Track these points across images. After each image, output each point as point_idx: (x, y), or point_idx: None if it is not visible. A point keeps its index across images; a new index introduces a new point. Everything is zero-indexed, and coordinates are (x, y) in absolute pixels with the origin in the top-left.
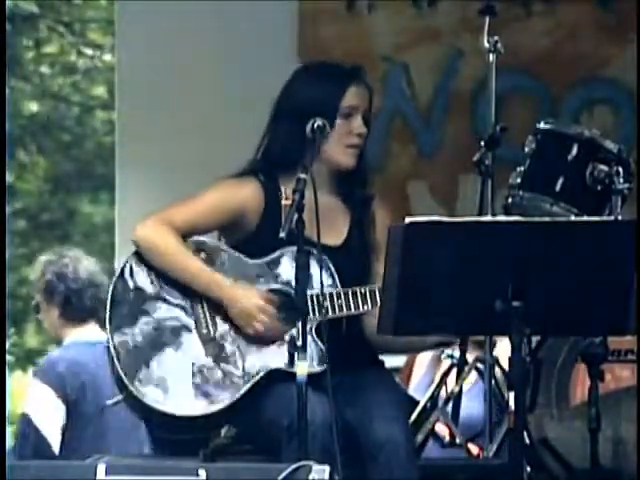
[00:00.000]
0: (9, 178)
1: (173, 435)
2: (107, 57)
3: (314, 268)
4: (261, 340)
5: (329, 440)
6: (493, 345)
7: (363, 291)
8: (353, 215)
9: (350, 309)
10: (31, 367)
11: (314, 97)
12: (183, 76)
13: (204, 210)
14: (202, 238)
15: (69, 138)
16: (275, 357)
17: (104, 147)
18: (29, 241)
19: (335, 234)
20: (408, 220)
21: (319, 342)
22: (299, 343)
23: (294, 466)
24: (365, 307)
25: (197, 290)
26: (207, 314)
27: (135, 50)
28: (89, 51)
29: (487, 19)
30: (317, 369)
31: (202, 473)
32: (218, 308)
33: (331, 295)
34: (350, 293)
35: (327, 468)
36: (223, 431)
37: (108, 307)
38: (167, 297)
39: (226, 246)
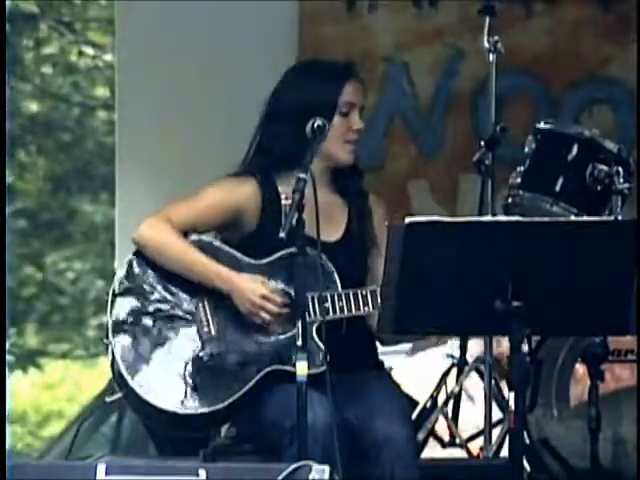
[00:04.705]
0: (9, 178)
1: (172, 432)
2: (107, 57)
3: (315, 268)
4: (266, 331)
5: (330, 441)
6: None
7: (364, 292)
8: (350, 209)
9: (351, 311)
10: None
11: (312, 95)
12: (183, 76)
13: (203, 209)
14: (202, 237)
15: (69, 138)
16: (275, 357)
17: (104, 147)
18: (29, 241)
19: (333, 229)
20: (408, 220)
21: (319, 343)
22: (299, 343)
23: (294, 466)
24: (366, 308)
25: (202, 283)
26: (208, 312)
27: (135, 50)
28: (90, 51)
29: (487, 19)
30: (318, 370)
31: (202, 473)
32: (219, 306)
33: (332, 296)
34: (351, 294)
35: (327, 468)
36: (223, 431)
37: (109, 305)
38: (168, 295)
39: (225, 245)
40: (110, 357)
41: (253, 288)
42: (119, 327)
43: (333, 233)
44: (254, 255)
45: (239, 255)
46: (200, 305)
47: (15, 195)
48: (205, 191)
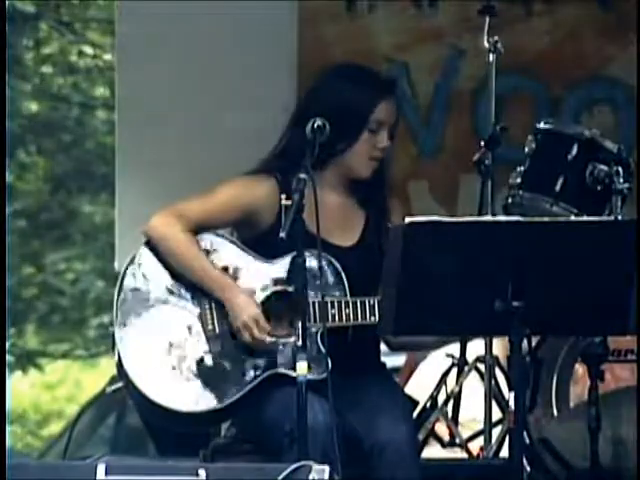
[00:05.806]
0: (9, 178)
1: (169, 428)
2: (107, 57)
3: (323, 271)
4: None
5: (330, 442)
6: None
7: (372, 302)
8: (368, 217)
9: (357, 319)
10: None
11: (344, 106)
12: (183, 76)
13: (218, 206)
14: (218, 233)
15: (69, 138)
16: (279, 359)
17: (104, 147)
18: (29, 241)
19: (348, 234)
20: (408, 220)
21: (323, 349)
22: (299, 343)
23: (294, 466)
24: (372, 318)
25: (199, 285)
26: (213, 310)
27: (135, 50)
28: (89, 51)
29: (487, 19)
30: (320, 377)
31: (202, 473)
32: (224, 306)
33: (339, 303)
34: (358, 303)
35: (327, 468)
36: (223, 431)
37: (115, 298)
38: (174, 291)
39: (240, 243)
40: (114, 347)
41: (248, 307)
42: (124, 320)
43: (347, 238)
44: (269, 254)
45: (252, 254)
46: (206, 302)
47: (15, 195)
48: (220, 188)
